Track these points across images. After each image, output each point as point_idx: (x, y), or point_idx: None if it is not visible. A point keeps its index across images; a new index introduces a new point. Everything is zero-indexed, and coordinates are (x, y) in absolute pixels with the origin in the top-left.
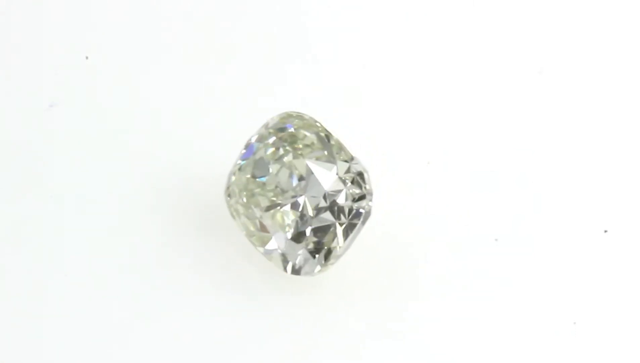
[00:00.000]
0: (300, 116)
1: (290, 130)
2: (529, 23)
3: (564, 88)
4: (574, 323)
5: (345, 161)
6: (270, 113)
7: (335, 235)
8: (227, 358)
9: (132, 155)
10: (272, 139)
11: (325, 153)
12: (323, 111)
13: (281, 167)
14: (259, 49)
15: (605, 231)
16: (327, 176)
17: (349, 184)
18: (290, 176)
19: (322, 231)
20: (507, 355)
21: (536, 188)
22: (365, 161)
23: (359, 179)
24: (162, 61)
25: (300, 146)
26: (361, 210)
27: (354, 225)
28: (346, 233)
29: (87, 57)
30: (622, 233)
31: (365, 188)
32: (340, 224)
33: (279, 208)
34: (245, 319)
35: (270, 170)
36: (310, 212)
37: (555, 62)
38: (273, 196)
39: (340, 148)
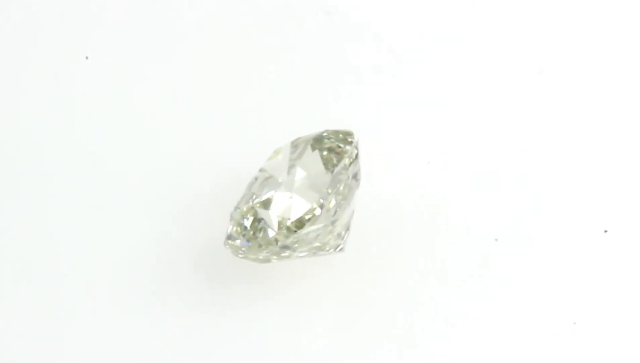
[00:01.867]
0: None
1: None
2: (529, 23)
3: (564, 88)
4: (574, 323)
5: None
6: (269, 114)
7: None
8: (224, 358)
9: (132, 155)
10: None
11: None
12: (323, 111)
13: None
14: (255, 48)
15: (605, 231)
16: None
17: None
18: (292, 167)
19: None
20: (507, 355)
21: (536, 188)
22: (366, 161)
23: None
24: (161, 61)
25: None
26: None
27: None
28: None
29: (87, 57)
30: (622, 233)
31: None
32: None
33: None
34: (244, 319)
35: (295, 153)
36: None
37: (555, 62)
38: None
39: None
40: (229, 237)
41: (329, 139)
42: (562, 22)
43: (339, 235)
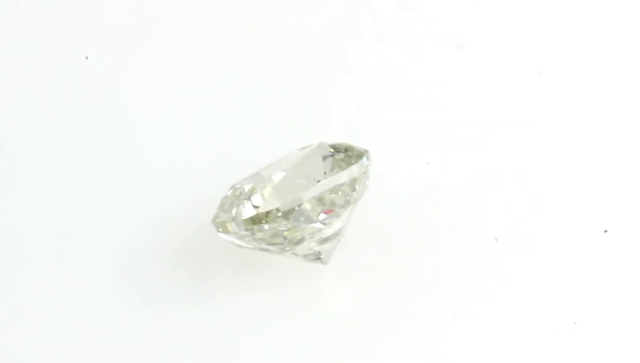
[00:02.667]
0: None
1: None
2: (529, 23)
3: (564, 88)
4: (574, 323)
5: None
6: (269, 114)
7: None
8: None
9: (132, 155)
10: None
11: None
12: (323, 111)
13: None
14: (255, 48)
15: (605, 231)
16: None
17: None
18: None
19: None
20: (507, 355)
21: (536, 188)
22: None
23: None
24: (161, 61)
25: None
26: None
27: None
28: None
29: (87, 57)
30: (622, 233)
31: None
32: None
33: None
34: (241, 315)
35: (313, 153)
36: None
37: (555, 62)
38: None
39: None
40: (218, 208)
41: (344, 151)
42: (562, 22)
43: (320, 244)
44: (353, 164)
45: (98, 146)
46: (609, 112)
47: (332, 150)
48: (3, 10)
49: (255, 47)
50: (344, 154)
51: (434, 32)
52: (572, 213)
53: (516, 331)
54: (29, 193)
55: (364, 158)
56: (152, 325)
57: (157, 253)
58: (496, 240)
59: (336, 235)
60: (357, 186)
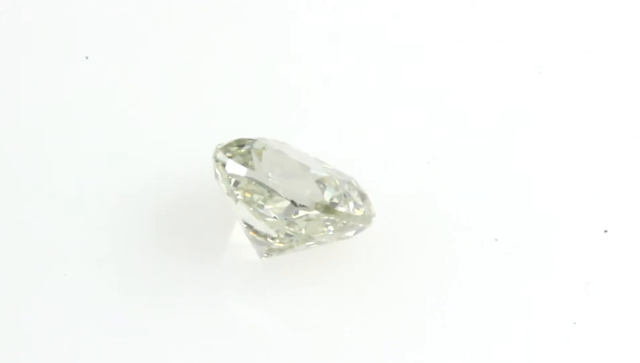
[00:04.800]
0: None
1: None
2: (529, 23)
3: (564, 88)
4: (574, 323)
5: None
6: (266, 111)
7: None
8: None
9: (132, 155)
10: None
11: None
12: (323, 111)
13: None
14: (255, 47)
15: (605, 231)
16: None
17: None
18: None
19: None
20: (507, 355)
21: (536, 188)
22: (366, 161)
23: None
24: (161, 61)
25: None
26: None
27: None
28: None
29: (87, 57)
30: (622, 233)
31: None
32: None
33: None
34: (238, 314)
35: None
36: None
37: (555, 62)
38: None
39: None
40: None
41: (343, 197)
42: (562, 22)
43: (251, 230)
44: (337, 209)
45: (98, 145)
46: (609, 112)
47: (350, 188)
48: (3, 10)
49: (255, 46)
50: (350, 207)
51: (433, 31)
52: (572, 213)
53: (516, 331)
54: (29, 192)
55: (367, 220)
56: (152, 323)
57: (158, 252)
58: (496, 239)
59: (271, 240)
60: (344, 231)
